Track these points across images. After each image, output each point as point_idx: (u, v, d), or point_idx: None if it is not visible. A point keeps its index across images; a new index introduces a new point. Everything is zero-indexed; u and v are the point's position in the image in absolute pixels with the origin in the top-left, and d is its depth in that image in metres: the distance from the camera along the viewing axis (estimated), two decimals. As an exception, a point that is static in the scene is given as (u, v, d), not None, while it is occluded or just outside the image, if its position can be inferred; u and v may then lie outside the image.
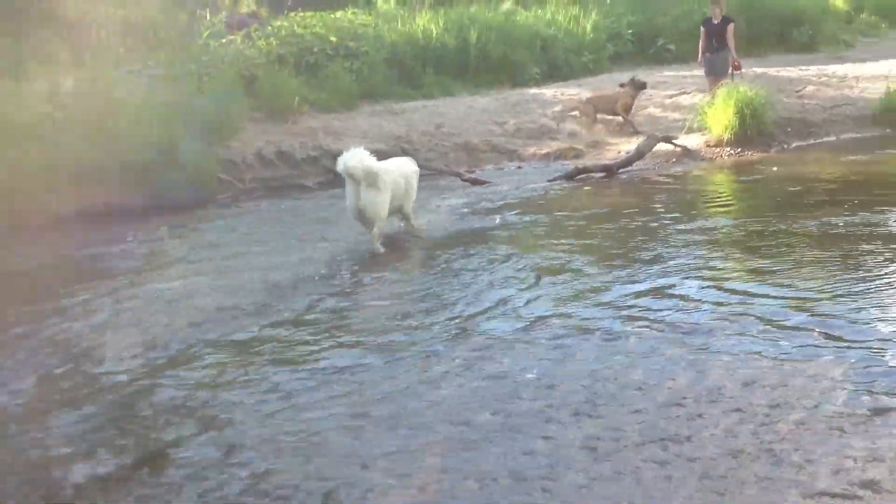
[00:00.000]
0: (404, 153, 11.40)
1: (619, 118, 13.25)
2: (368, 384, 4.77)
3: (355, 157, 7.20)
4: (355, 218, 7.53)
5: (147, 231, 8.64)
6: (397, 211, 7.84)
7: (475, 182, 10.33)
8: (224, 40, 13.53)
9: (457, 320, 5.77)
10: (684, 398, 4.43)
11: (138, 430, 4.37)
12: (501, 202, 9.23)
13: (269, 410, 4.48)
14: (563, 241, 7.73)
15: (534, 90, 15.04)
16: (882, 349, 4.93)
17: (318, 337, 5.54)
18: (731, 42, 13.20)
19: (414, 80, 14.97)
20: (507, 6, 17.57)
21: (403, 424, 4.28)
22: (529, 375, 4.81)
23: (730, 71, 13.36)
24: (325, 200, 9.71)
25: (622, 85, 13.41)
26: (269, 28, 14.42)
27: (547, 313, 5.79)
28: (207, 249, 7.71)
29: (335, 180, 10.68)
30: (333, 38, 14.18)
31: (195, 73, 11.75)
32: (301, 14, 15.16)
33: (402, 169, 7.84)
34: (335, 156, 11.02)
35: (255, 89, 12.24)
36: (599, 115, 13.32)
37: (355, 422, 4.32)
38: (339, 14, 15.45)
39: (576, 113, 13.41)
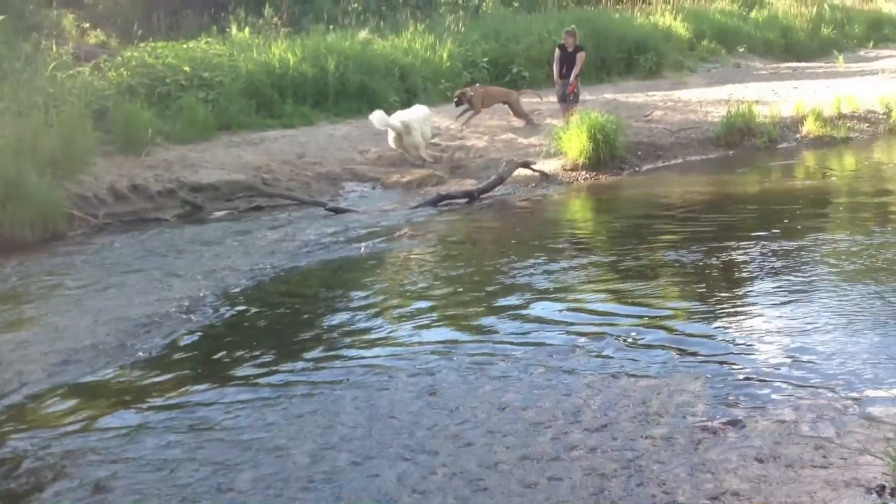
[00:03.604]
0: (265, 184, 11.28)
1: None
2: (233, 421, 4.66)
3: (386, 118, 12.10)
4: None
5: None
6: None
7: (339, 211, 10.26)
8: (72, 72, 13.01)
9: (323, 349, 5.72)
10: (550, 419, 4.52)
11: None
12: (366, 231, 9.19)
13: (132, 455, 4.31)
14: (427, 268, 7.78)
15: (394, 118, 15.09)
16: (734, 363, 5.17)
17: (177, 375, 5.38)
18: (575, 69, 13.67)
19: (272, 109, 14.75)
20: (363, 35, 17.58)
21: (268, 462, 4.20)
22: (397, 403, 4.80)
23: (569, 95, 13.79)
24: (184, 234, 9.43)
25: None
26: (119, 59, 13.96)
27: (414, 340, 5.81)
28: (56, 289, 7.34)
29: (194, 213, 10.47)
30: (187, 68, 13.84)
31: (41, 106, 11.25)
32: (152, 44, 14.75)
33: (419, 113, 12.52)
34: (192, 188, 10.91)
35: (107, 122, 11.80)
36: None
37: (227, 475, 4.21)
38: (191, 44, 15.09)
39: (436, 140, 13.55)
